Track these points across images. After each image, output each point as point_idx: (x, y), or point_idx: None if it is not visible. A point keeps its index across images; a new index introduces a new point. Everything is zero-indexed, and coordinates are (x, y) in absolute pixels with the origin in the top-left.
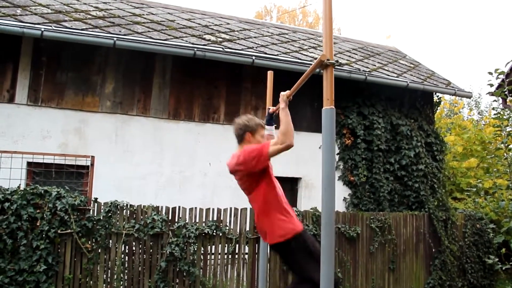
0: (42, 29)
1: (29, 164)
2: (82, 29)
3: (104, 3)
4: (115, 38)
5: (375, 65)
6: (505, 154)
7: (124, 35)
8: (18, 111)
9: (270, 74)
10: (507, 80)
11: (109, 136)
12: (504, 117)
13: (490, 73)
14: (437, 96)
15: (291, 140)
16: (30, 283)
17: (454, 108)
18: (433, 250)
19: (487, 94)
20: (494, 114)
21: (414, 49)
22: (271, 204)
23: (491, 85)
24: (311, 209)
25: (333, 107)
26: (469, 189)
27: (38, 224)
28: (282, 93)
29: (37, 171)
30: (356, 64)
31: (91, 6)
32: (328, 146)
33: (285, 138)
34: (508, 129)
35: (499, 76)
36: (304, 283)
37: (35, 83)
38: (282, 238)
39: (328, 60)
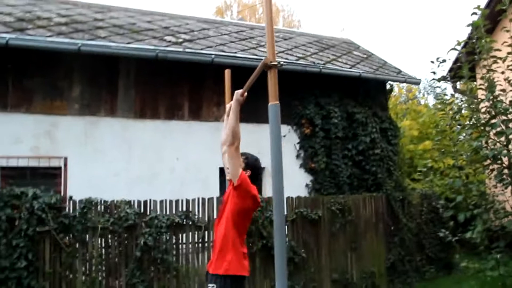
0: (7, 38)
1: (2, 168)
2: (46, 36)
3: (66, 9)
4: (79, 44)
5: (329, 58)
6: (450, 136)
7: (88, 40)
8: None
9: (227, 72)
10: (455, 65)
11: (79, 138)
12: (446, 102)
13: (432, 62)
14: (390, 84)
15: (230, 140)
16: (12, 280)
17: (409, 94)
18: (392, 228)
19: (431, 80)
20: (437, 99)
21: (368, 40)
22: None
23: (434, 73)
24: None
25: (278, 103)
26: (420, 169)
27: (16, 223)
28: (236, 91)
29: (11, 174)
30: (311, 57)
31: (53, 13)
32: (275, 136)
33: (234, 140)
34: (451, 112)
35: (441, 64)
36: None
37: (3, 90)
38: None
39: (271, 62)
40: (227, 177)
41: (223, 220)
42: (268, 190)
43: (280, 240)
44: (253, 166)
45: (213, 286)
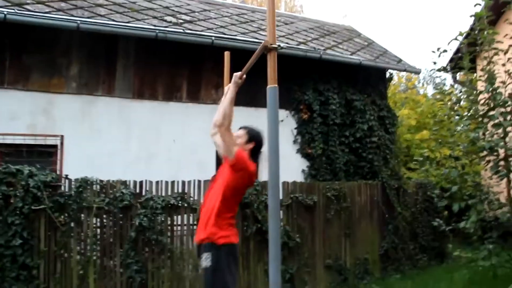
0: (5, 12)
1: None
2: (45, 12)
3: None
4: (78, 22)
5: (330, 44)
6: (448, 126)
7: (87, 18)
8: None
9: (227, 54)
10: (456, 56)
11: (76, 116)
12: (445, 92)
13: (433, 52)
14: (389, 72)
15: (220, 121)
16: (7, 257)
17: (408, 83)
18: (387, 216)
19: (431, 70)
20: (436, 89)
21: (369, 28)
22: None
23: (435, 63)
24: None
25: (276, 85)
26: (417, 158)
27: (12, 201)
28: (235, 74)
29: (7, 151)
30: (312, 42)
31: None
32: (272, 119)
33: (224, 120)
34: (449, 103)
35: (442, 54)
36: None
37: (0, 66)
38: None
39: (271, 45)
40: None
41: (214, 191)
42: (264, 174)
43: (275, 224)
44: (256, 139)
45: (208, 255)
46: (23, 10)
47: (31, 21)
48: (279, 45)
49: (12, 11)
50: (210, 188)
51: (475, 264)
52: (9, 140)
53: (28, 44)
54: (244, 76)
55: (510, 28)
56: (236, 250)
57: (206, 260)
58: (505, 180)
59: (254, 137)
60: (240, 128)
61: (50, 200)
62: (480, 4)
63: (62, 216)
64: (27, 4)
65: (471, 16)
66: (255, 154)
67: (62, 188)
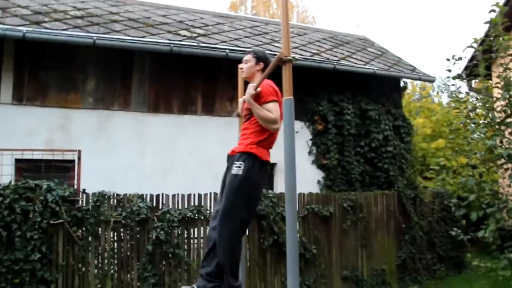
0: (24, 31)
1: (17, 160)
2: (62, 29)
3: (81, 2)
4: (94, 37)
5: (344, 54)
6: (464, 134)
7: (103, 34)
8: (3, 110)
9: (240, 67)
10: (471, 63)
11: (92, 131)
12: (461, 100)
13: (448, 59)
14: (404, 81)
15: (274, 127)
16: (26, 271)
17: (423, 92)
18: (403, 226)
19: (446, 78)
20: (451, 97)
21: (383, 37)
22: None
23: (449, 71)
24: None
25: (292, 97)
26: (433, 168)
27: (30, 216)
28: (250, 85)
29: (26, 167)
30: (326, 53)
31: (69, 6)
32: (288, 131)
33: (271, 123)
34: (465, 110)
35: (457, 62)
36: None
37: (19, 83)
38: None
39: (286, 57)
40: None
41: (252, 121)
42: (279, 186)
43: (292, 239)
44: (263, 59)
45: (241, 164)
46: (41, 28)
47: (49, 39)
48: (294, 57)
49: (31, 29)
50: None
51: (494, 274)
52: (27, 155)
53: (45, 61)
54: (259, 88)
55: None
56: (268, 168)
57: (238, 168)
58: None
59: (261, 58)
60: (246, 53)
61: (68, 215)
62: (495, 11)
63: (80, 230)
64: (45, 22)
65: (485, 22)
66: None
67: (80, 202)
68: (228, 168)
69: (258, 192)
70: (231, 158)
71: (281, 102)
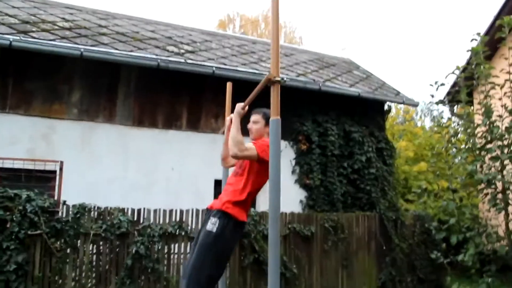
0: (11, 39)
1: None
2: (49, 40)
3: (70, 14)
4: (82, 49)
5: (329, 76)
6: (446, 159)
7: (91, 46)
8: None
9: (229, 85)
10: (454, 89)
11: (76, 142)
12: (443, 125)
13: (431, 85)
14: (388, 104)
15: (234, 151)
16: (0, 282)
17: (406, 115)
18: (384, 248)
19: (428, 103)
20: (434, 122)
21: (368, 61)
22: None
23: (432, 96)
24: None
25: (279, 118)
26: (415, 190)
27: (8, 226)
28: (238, 104)
29: (5, 176)
30: (312, 74)
31: (58, 17)
32: (274, 151)
33: (239, 147)
34: (447, 135)
35: (439, 88)
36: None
37: (3, 91)
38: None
39: (275, 77)
40: None
41: (236, 174)
42: (261, 205)
43: (274, 258)
44: None
45: (216, 221)
46: (28, 38)
47: (36, 48)
48: (282, 78)
49: (18, 38)
50: (237, 171)
51: None
52: (8, 164)
53: (31, 71)
54: (247, 107)
55: (506, 63)
56: (243, 228)
57: (213, 225)
58: (503, 213)
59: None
60: (254, 113)
61: (47, 226)
62: (476, 40)
63: (59, 242)
64: (32, 32)
65: (467, 50)
66: None
67: (60, 213)
68: (205, 221)
69: (230, 251)
70: (209, 212)
71: (267, 162)
